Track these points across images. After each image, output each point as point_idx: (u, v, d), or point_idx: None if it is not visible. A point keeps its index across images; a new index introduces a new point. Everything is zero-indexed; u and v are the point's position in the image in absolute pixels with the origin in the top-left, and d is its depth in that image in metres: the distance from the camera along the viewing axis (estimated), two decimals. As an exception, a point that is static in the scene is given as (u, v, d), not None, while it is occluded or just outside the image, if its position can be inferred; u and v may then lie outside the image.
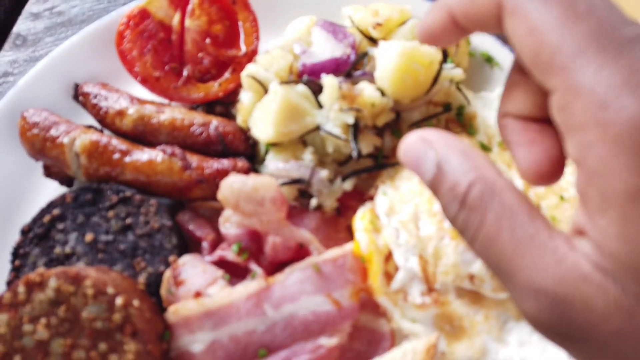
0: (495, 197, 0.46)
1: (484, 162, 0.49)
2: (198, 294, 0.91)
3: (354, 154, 1.03)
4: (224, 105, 1.19)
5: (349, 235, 1.04)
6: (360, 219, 1.00)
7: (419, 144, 0.51)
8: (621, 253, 0.41)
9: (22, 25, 1.45)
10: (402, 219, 0.97)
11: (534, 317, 0.45)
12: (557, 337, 0.45)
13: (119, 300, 0.86)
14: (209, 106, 1.18)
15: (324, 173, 1.04)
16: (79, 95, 1.16)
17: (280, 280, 0.94)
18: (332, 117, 1.04)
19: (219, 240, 1.05)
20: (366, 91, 1.02)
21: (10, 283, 0.96)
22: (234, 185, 0.96)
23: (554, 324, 0.44)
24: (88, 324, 0.85)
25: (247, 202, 0.96)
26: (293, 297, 0.92)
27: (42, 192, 1.14)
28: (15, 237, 1.06)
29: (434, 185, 0.50)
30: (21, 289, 0.86)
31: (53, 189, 1.13)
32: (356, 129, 1.04)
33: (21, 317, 0.85)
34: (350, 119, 1.03)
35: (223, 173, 1.05)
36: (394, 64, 1.01)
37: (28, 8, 1.45)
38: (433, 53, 1.03)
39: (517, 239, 0.45)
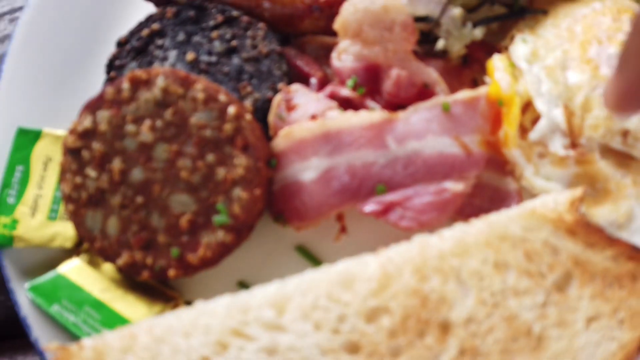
0: None
1: None
2: (314, 117, 0.82)
3: (494, -7, 0.90)
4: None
5: (474, 88, 0.92)
6: (499, 60, 0.87)
7: None
8: None
9: None
10: (547, 65, 0.84)
11: None
12: None
13: (231, 110, 0.77)
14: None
15: (456, 11, 0.91)
16: None
17: (404, 117, 0.83)
18: (473, -52, 0.91)
19: (327, 79, 0.95)
20: None
21: (105, 94, 0.88)
22: (360, 5, 0.84)
23: None
24: (196, 131, 0.77)
25: (373, 26, 0.84)
26: (418, 135, 0.82)
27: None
28: (109, 50, 0.98)
29: None
30: (125, 85, 0.78)
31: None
32: (499, -36, 0.90)
33: (124, 116, 0.77)
34: (495, -49, 0.89)
35: (338, 3, 0.94)
36: None
37: None
38: None
39: None
